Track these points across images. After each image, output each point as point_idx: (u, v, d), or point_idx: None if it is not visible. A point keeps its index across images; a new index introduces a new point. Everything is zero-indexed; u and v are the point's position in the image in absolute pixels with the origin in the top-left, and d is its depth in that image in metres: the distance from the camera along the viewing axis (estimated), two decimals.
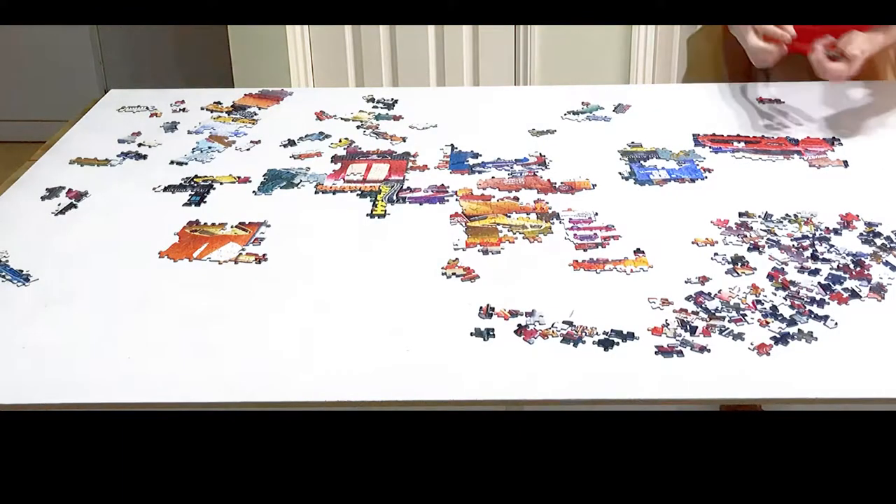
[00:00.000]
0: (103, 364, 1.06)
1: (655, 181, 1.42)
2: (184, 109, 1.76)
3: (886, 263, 1.21)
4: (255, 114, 1.74)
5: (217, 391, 1.02)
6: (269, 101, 1.79)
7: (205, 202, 1.42)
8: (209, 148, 1.60)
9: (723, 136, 1.59)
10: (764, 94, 1.75)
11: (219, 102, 1.78)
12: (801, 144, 1.56)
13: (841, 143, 1.56)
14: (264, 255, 1.26)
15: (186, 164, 1.54)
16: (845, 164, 1.49)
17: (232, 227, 1.34)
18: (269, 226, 1.34)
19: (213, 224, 1.35)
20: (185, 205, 1.41)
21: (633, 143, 1.55)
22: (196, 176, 1.50)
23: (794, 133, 1.58)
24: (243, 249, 1.28)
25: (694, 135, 1.60)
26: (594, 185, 1.43)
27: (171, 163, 1.54)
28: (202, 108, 1.76)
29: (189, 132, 1.67)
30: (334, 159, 1.55)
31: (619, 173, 1.43)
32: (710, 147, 1.56)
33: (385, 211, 1.38)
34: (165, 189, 1.46)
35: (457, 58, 2.87)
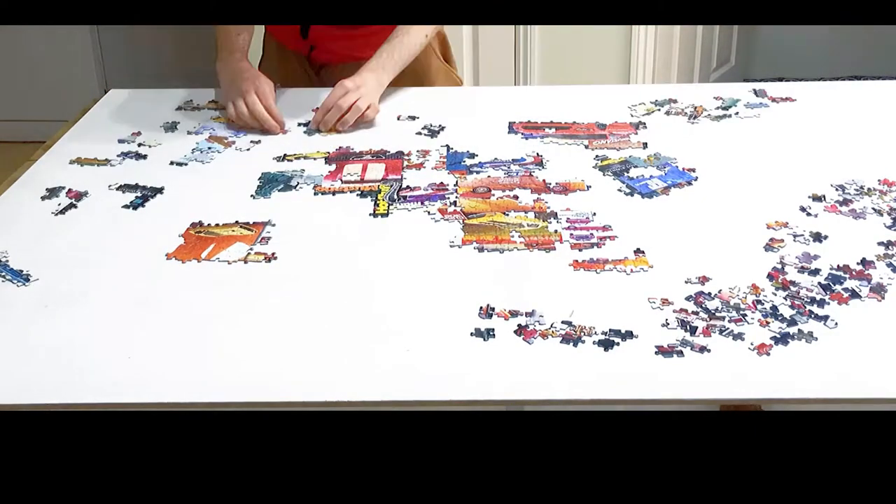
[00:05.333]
0: (103, 364, 1.06)
1: (660, 191, 1.41)
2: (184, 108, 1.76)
3: (889, 265, 1.21)
4: None
5: (217, 391, 1.02)
6: None
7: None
8: (209, 148, 1.60)
9: (536, 122, 1.66)
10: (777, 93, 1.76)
11: (215, 101, 1.78)
12: (608, 129, 1.63)
13: (646, 127, 1.63)
14: (273, 253, 1.26)
15: (186, 164, 1.54)
16: (644, 145, 1.56)
17: (239, 226, 1.34)
18: (273, 225, 1.34)
19: (217, 224, 1.35)
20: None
21: (599, 157, 1.54)
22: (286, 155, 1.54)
23: None
24: (251, 249, 1.28)
25: (510, 122, 1.66)
26: (589, 187, 1.43)
27: (171, 163, 1.54)
28: (202, 108, 1.76)
29: (189, 132, 1.67)
30: (328, 160, 1.55)
31: (619, 190, 1.42)
32: (522, 134, 1.62)
33: (388, 210, 1.38)
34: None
35: (457, 58, 2.87)
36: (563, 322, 1.10)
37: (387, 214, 1.37)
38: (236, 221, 1.35)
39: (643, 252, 1.25)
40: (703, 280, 1.18)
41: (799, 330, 1.08)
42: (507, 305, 1.13)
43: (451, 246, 1.28)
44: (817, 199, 1.38)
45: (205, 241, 1.31)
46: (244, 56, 1.74)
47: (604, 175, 1.47)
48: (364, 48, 1.77)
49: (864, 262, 1.21)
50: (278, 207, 1.40)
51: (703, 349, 1.05)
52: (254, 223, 1.35)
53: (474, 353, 1.06)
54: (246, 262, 1.25)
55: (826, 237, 1.27)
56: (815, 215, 1.33)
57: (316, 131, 1.65)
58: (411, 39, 1.73)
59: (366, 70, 1.69)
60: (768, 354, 1.05)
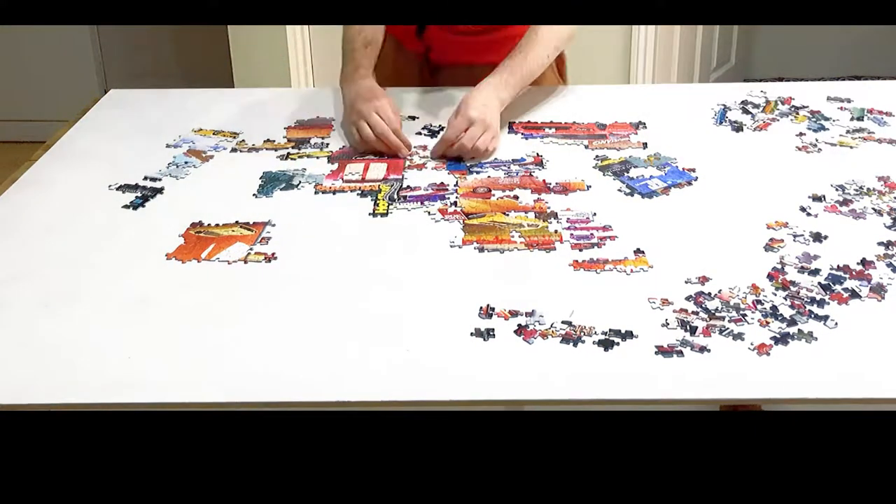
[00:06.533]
0: (103, 364, 1.06)
1: (660, 191, 1.41)
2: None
3: (889, 265, 1.21)
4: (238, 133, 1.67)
5: (217, 391, 1.02)
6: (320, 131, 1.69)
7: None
8: (185, 163, 1.55)
9: (536, 122, 1.67)
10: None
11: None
12: (608, 129, 1.63)
13: (645, 127, 1.63)
14: (273, 253, 1.26)
15: (160, 179, 1.49)
16: (644, 145, 1.56)
17: (239, 226, 1.34)
18: (273, 225, 1.34)
19: (217, 224, 1.35)
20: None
21: (599, 157, 1.53)
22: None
23: None
24: (251, 249, 1.28)
25: (510, 122, 1.66)
26: (589, 187, 1.43)
27: (145, 178, 1.49)
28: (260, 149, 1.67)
29: (168, 145, 1.61)
30: (330, 160, 1.55)
31: (620, 190, 1.42)
32: (522, 134, 1.63)
33: (387, 210, 1.38)
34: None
35: None
36: (563, 322, 1.10)
37: (386, 214, 1.37)
38: (236, 221, 1.35)
39: (643, 252, 1.25)
40: (703, 280, 1.18)
41: (799, 330, 1.08)
42: (507, 305, 1.13)
43: (451, 246, 1.28)
44: (817, 199, 1.38)
45: (205, 241, 1.31)
46: (369, 72, 1.65)
47: (604, 175, 1.47)
48: (482, 52, 1.73)
49: (864, 262, 1.21)
50: (279, 207, 1.40)
51: (703, 349, 1.05)
52: (254, 223, 1.35)
53: (474, 353, 1.06)
54: (246, 262, 1.25)
55: (826, 237, 1.27)
56: (815, 215, 1.33)
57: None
58: (536, 54, 1.64)
59: (488, 87, 1.58)
60: (768, 354, 1.05)
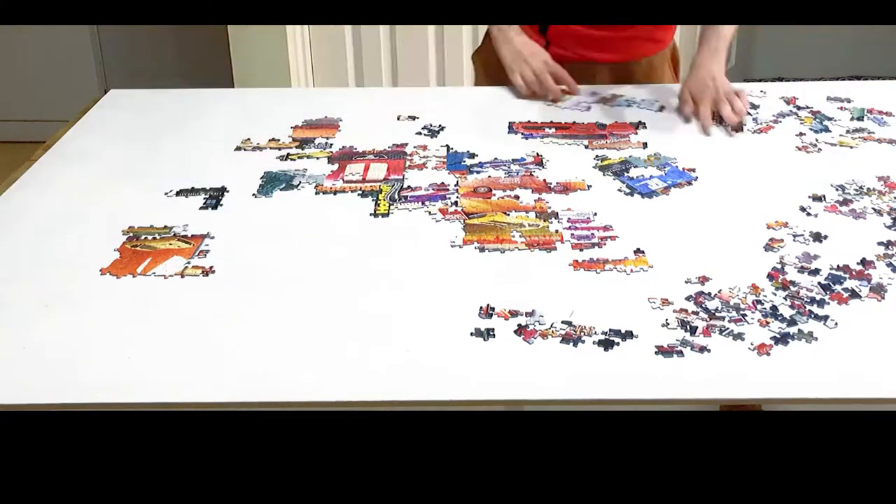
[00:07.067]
0: (103, 364, 1.06)
1: (660, 191, 1.41)
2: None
3: (889, 265, 1.21)
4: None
5: (217, 391, 1.02)
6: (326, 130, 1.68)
7: (221, 205, 1.41)
8: None
9: (536, 122, 1.67)
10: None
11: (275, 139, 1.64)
12: (608, 129, 1.63)
13: (645, 127, 1.63)
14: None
15: None
16: (644, 145, 1.56)
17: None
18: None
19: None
20: (201, 208, 1.40)
21: (599, 157, 1.54)
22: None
23: None
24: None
25: (510, 122, 1.66)
26: (589, 186, 1.43)
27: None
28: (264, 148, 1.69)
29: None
30: (331, 160, 1.55)
31: (619, 190, 1.42)
32: (522, 134, 1.62)
33: (388, 210, 1.38)
34: (178, 193, 1.45)
35: (457, 58, 2.87)
36: (563, 322, 1.10)
37: (387, 214, 1.37)
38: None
39: (643, 252, 1.25)
40: (703, 280, 1.18)
41: (799, 330, 1.08)
42: (507, 305, 1.13)
43: (451, 246, 1.28)
44: (817, 199, 1.38)
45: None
46: (518, 28, 1.77)
47: (604, 175, 1.47)
48: (597, 49, 1.80)
49: (864, 262, 1.21)
50: (280, 207, 1.40)
51: (703, 349, 1.05)
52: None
53: (474, 353, 1.06)
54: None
55: (826, 237, 1.27)
56: (815, 215, 1.33)
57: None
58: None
59: (708, 62, 1.67)
60: (768, 354, 1.05)
